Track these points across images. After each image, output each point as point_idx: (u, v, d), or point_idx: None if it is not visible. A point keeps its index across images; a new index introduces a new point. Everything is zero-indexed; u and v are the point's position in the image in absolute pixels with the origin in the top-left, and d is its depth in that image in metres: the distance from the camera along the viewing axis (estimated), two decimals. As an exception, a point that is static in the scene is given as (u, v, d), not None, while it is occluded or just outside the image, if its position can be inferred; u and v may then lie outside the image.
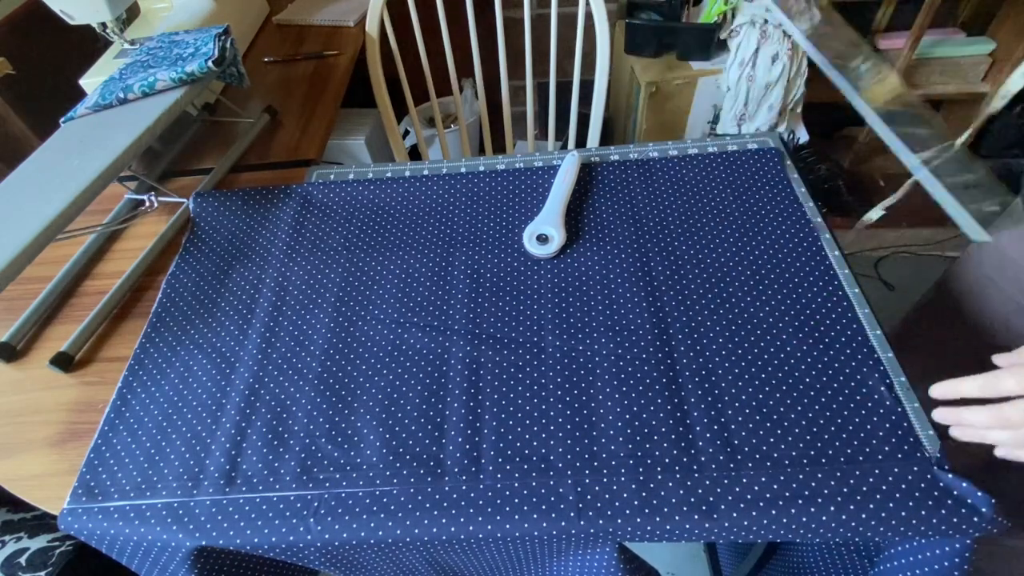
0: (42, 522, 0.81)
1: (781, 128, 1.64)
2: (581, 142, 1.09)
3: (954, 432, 0.44)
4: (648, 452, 0.48)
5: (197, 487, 0.50)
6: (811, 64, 1.32)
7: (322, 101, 1.00)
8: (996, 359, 0.44)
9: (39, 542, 0.78)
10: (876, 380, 0.51)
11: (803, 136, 1.67)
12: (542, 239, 0.65)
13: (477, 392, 0.54)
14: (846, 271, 0.60)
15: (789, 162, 0.72)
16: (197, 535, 0.47)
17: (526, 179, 0.74)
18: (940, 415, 0.44)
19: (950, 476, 0.45)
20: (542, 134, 1.78)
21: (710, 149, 0.75)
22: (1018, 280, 0.53)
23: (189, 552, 0.48)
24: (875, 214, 0.53)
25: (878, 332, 0.54)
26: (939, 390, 0.47)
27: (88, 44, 0.96)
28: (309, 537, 0.47)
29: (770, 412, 0.50)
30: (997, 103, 1.19)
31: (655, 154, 0.75)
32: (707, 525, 0.45)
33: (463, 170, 0.77)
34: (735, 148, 0.74)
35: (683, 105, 1.47)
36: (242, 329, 0.62)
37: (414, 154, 1.42)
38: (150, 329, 0.63)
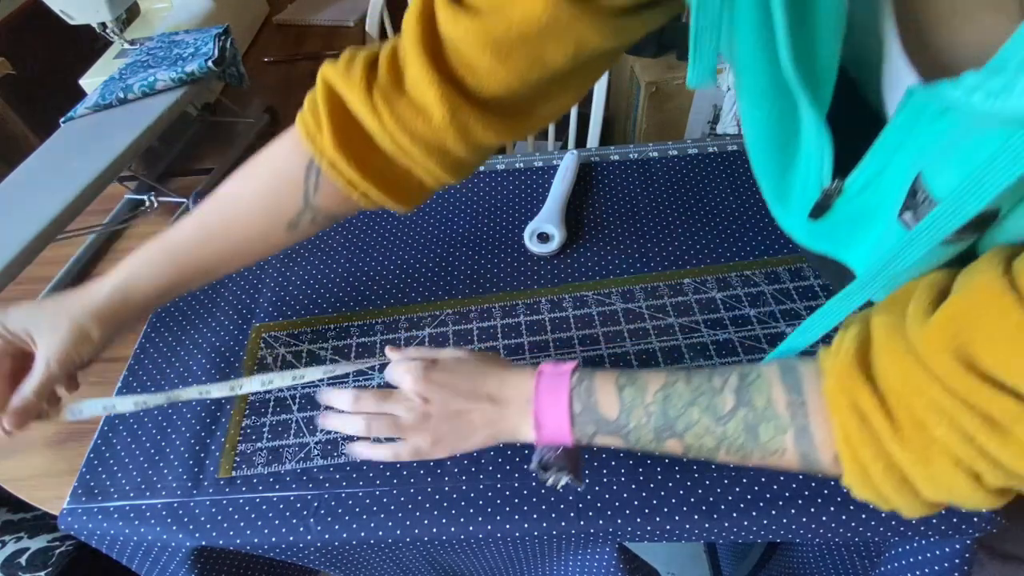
0: (42, 522, 0.81)
1: (781, 128, 1.64)
2: (581, 142, 1.09)
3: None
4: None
5: (197, 487, 0.50)
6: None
7: (322, 101, 0.99)
8: (389, 352, 0.45)
9: (39, 542, 0.78)
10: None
11: (803, 136, 1.67)
12: (543, 237, 0.66)
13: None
14: (846, 271, 0.60)
15: (789, 162, 0.72)
16: (197, 535, 0.47)
17: (526, 179, 0.74)
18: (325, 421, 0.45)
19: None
20: (542, 134, 1.78)
21: (710, 149, 0.75)
22: None
23: (189, 552, 0.48)
24: None
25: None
26: (324, 396, 0.47)
27: (88, 44, 0.96)
28: (309, 537, 0.47)
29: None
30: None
31: (655, 154, 0.75)
32: (707, 525, 0.45)
33: (463, 170, 0.77)
34: (735, 148, 0.74)
35: (683, 105, 1.47)
36: (242, 329, 0.61)
37: (414, 154, 1.42)
38: (150, 329, 0.63)
